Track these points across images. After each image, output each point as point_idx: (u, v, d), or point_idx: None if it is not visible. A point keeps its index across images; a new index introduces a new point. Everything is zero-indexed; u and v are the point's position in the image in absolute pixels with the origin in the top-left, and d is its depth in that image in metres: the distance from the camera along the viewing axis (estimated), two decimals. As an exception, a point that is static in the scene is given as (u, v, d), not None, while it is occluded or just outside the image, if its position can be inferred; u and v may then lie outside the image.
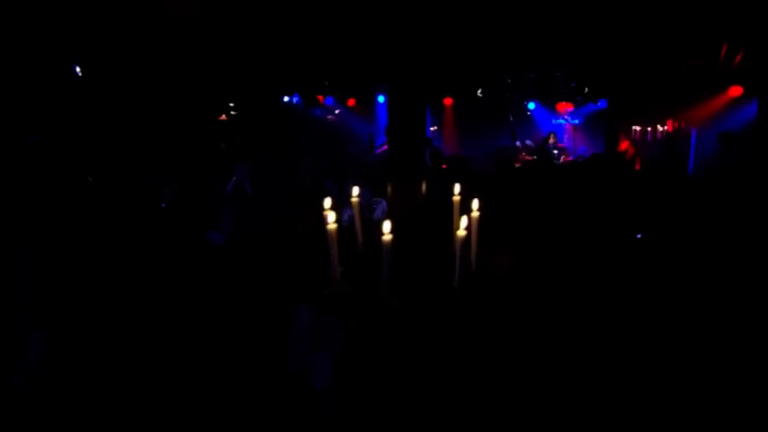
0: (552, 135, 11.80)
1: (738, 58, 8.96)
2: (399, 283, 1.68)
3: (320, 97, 13.16)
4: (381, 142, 12.18)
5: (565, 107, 12.85)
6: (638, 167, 9.39)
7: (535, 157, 10.78)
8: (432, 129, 13.95)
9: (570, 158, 11.19)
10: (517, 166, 10.23)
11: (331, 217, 1.74)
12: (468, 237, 1.74)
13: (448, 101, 13.55)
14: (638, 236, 4.44)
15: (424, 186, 2.65)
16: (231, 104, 12.65)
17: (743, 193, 5.44)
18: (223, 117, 12.84)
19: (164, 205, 4.86)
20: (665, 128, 11.71)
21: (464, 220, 1.69)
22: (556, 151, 11.47)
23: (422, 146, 3.29)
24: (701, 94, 9.90)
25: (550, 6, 8.11)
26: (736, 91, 9.57)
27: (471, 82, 12.33)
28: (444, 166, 6.78)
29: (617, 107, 10.06)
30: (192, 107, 10.20)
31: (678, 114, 10.96)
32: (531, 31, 8.82)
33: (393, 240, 1.59)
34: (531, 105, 13.24)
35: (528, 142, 11.68)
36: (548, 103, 13.00)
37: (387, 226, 1.60)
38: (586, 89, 11.74)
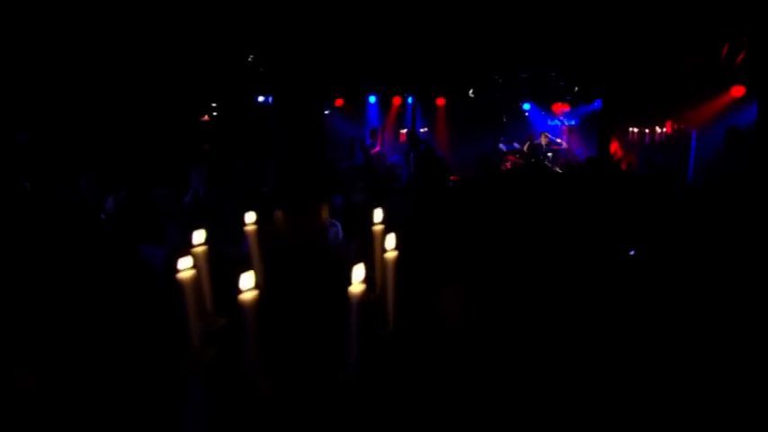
0: (544, 135, 11.28)
1: (740, 57, 8.56)
2: (276, 357, 1.19)
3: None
4: (370, 143, 11.70)
5: (561, 108, 12.40)
6: (624, 168, 8.94)
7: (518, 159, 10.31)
8: (422, 130, 13.50)
9: (562, 161, 10.71)
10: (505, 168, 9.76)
11: (184, 262, 1.23)
12: (383, 288, 1.24)
13: (440, 101, 13.10)
14: (632, 253, 4.01)
15: (325, 212, 2.12)
16: (214, 104, 12.17)
17: (745, 201, 5.01)
18: (206, 118, 12.37)
19: (102, 216, 4.34)
20: (664, 129, 11.28)
21: (359, 270, 1.16)
22: (550, 154, 10.96)
23: (321, 158, 2.78)
24: (702, 95, 9.47)
25: (550, 6, 7.82)
26: (738, 91, 9.14)
27: (462, 81, 11.89)
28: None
29: (611, 108, 9.62)
30: (178, 108, 9.76)
31: (678, 115, 10.52)
32: (528, 31, 8.50)
33: (260, 296, 1.09)
34: (527, 106, 12.79)
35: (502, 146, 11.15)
36: (543, 103, 12.56)
37: (246, 279, 1.09)
38: (576, 88, 11.28)
